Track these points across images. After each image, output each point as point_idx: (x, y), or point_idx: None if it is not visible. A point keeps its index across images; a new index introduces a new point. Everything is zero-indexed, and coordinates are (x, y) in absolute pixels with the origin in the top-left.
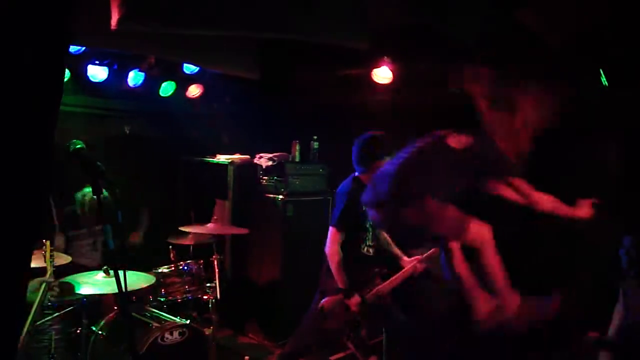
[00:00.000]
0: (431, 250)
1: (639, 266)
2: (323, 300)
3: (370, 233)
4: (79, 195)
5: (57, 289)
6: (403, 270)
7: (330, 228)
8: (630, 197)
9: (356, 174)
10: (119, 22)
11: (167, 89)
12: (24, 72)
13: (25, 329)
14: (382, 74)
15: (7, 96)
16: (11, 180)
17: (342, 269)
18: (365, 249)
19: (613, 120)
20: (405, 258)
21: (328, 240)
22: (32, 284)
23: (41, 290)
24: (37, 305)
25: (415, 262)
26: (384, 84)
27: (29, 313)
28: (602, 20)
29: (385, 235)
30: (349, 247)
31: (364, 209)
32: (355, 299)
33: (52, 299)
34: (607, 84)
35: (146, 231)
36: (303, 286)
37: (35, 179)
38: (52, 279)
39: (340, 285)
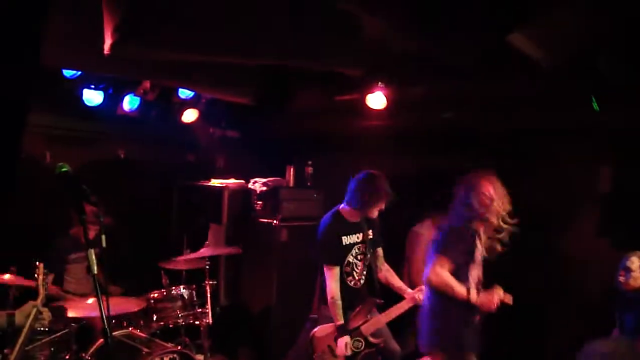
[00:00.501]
0: None
1: None
2: (315, 329)
3: (358, 265)
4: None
5: (48, 314)
6: (403, 301)
7: (324, 267)
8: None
9: (340, 207)
10: (113, 47)
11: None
12: None
13: (14, 355)
14: (376, 100)
15: None
16: None
17: (339, 306)
18: (353, 281)
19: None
20: (409, 290)
21: (326, 278)
22: (24, 308)
23: (32, 315)
24: (27, 330)
25: (416, 293)
26: (378, 110)
27: (18, 337)
28: (595, 44)
29: (387, 267)
30: None
31: (344, 243)
32: (343, 340)
33: (43, 323)
34: (598, 109)
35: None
36: (296, 312)
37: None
38: (42, 305)
39: (336, 322)
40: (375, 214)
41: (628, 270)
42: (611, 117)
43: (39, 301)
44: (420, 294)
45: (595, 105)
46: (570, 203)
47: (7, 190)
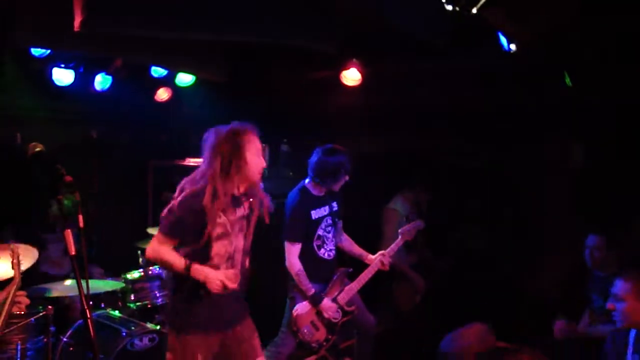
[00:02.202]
0: (395, 242)
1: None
2: (295, 307)
3: (328, 238)
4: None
5: (25, 299)
6: (370, 267)
7: (286, 243)
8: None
9: (305, 182)
10: (82, 23)
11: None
12: None
13: None
14: (351, 76)
15: None
16: None
17: (304, 277)
18: (326, 254)
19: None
20: (370, 256)
21: (287, 254)
22: None
23: (8, 302)
24: (3, 319)
25: (379, 257)
26: (353, 86)
27: None
28: (569, 22)
29: (346, 236)
30: (308, 255)
31: (314, 217)
32: (326, 303)
33: (20, 307)
34: (570, 84)
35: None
36: (270, 289)
37: None
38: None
39: (307, 293)
40: (337, 187)
41: (594, 249)
42: (583, 92)
43: (14, 288)
44: (384, 258)
45: (567, 80)
46: (543, 179)
47: None
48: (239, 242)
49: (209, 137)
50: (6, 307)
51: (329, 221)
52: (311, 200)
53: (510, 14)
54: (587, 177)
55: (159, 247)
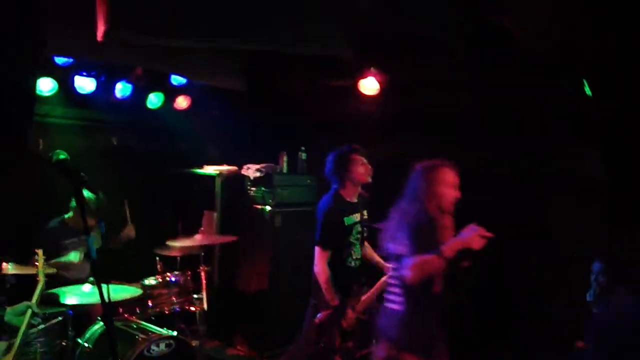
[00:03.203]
0: None
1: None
2: (318, 315)
3: (357, 246)
4: (73, 203)
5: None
6: (385, 276)
7: (317, 249)
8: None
9: (335, 188)
10: (105, 33)
11: (155, 101)
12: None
13: (12, 353)
14: (369, 85)
15: None
16: None
17: (331, 285)
18: (353, 262)
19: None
20: (388, 265)
21: (316, 259)
22: (19, 307)
23: (27, 316)
24: (24, 331)
25: None
26: (371, 95)
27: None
28: (583, 30)
29: (368, 245)
30: (335, 262)
31: (346, 223)
32: (349, 315)
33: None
34: (590, 94)
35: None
36: (291, 297)
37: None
38: (37, 307)
39: (331, 303)
40: (356, 189)
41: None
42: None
43: (33, 301)
44: None
45: (587, 90)
46: (558, 187)
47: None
48: None
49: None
50: (25, 323)
51: (359, 228)
52: (344, 205)
53: (524, 20)
54: (609, 187)
55: (420, 259)
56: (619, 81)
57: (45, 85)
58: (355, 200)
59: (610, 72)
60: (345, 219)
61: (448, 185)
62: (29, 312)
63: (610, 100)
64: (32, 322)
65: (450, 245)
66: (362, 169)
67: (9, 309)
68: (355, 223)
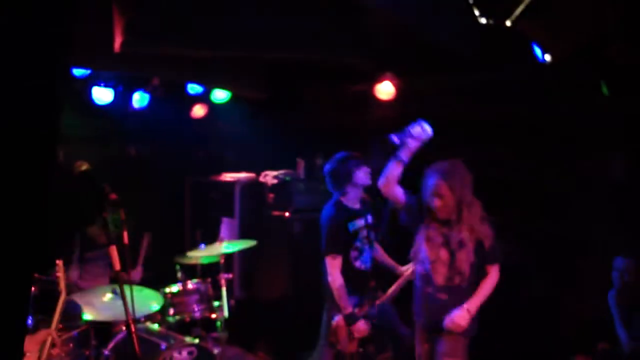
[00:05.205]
0: None
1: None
2: (334, 320)
3: (365, 251)
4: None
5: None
6: (401, 277)
7: (327, 258)
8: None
9: (338, 196)
10: (123, 44)
11: (171, 110)
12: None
13: None
14: (385, 90)
15: (8, 117)
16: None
17: (345, 293)
18: (362, 265)
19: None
20: (400, 267)
21: (329, 269)
22: (37, 336)
23: (47, 344)
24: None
25: (411, 267)
26: (387, 100)
27: None
28: (605, 31)
29: (378, 247)
30: (345, 268)
31: (351, 229)
32: (360, 325)
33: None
34: (608, 94)
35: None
36: (312, 303)
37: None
38: (57, 331)
39: (344, 311)
40: (359, 195)
41: (624, 272)
42: (622, 103)
43: (53, 327)
44: (413, 270)
45: (604, 90)
46: (582, 191)
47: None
48: None
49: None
50: (45, 353)
51: (365, 233)
52: (347, 212)
53: (546, 26)
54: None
55: None
56: None
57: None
58: (358, 205)
59: (633, 74)
60: (349, 224)
61: None
62: (49, 339)
63: (633, 103)
64: (53, 343)
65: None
66: (361, 173)
67: (27, 339)
68: (361, 227)
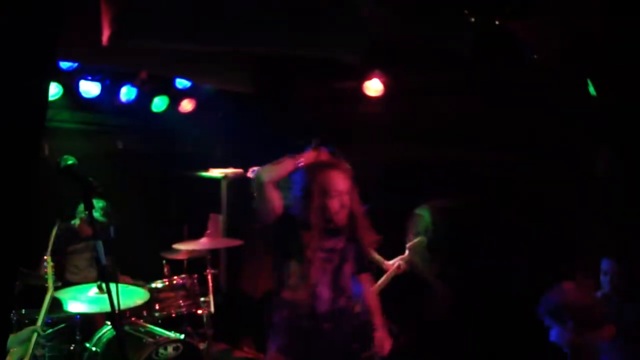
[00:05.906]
0: (414, 241)
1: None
2: None
3: None
4: (79, 208)
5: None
6: (387, 272)
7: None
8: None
9: None
10: (111, 38)
11: (159, 104)
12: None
13: None
14: (373, 87)
15: None
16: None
17: None
18: None
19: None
20: (387, 262)
21: None
22: (23, 334)
23: (32, 341)
24: (30, 357)
25: (398, 262)
26: (375, 97)
27: None
28: (591, 30)
29: None
30: None
31: None
32: None
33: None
34: (595, 93)
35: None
36: None
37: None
38: (43, 328)
39: None
40: None
41: (614, 276)
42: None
43: (39, 323)
44: (402, 263)
45: (591, 89)
46: (569, 188)
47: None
48: None
49: None
50: (30, 349)
51: None
52: None
53: (533, 26)
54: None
55: None
56: (628, 80)
57: (50, 90)
58: None
59: (619, 71)
60: None
61: None
62: (34, 336)
63: (618, 100)
64: (39, 340)
65: None
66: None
67: (12, 336)
68: None
